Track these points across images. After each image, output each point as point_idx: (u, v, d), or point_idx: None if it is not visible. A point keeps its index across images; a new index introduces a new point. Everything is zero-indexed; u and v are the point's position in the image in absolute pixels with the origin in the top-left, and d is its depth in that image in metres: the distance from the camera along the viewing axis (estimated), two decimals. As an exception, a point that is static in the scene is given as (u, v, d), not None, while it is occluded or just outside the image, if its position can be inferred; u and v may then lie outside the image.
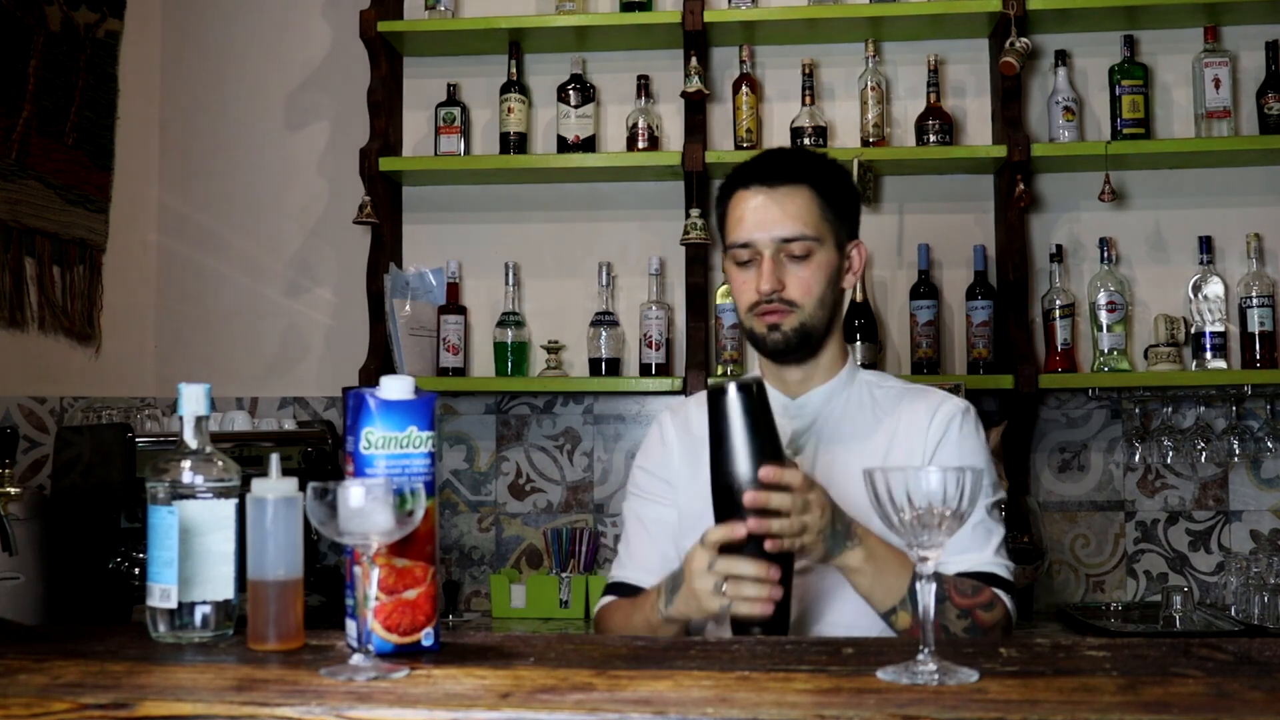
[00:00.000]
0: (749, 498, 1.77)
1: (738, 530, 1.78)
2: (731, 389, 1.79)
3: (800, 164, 2.15)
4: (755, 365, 3.65)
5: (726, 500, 1.80)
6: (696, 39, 3.58)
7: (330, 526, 1.34)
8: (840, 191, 2.17)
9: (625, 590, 2.20)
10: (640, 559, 2.23)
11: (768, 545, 1.77)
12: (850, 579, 1.90)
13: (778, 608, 1.71)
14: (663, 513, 2.22)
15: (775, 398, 2.13)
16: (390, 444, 1.47)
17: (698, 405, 2.24)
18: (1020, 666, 1.32)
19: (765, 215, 2.09)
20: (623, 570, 2.24)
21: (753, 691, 1.22)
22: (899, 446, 2.11)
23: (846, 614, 2.01)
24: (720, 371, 3.56)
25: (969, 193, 3.70)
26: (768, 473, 1.77)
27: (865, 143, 3.61)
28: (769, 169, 2.13)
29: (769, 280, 2.07)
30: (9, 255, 3.31)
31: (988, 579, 2.01)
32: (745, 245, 2.10)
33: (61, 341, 3.54)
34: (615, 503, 3.69)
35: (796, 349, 2.11)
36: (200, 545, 1.53)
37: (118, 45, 3.78)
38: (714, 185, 3.71)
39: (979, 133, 3.71)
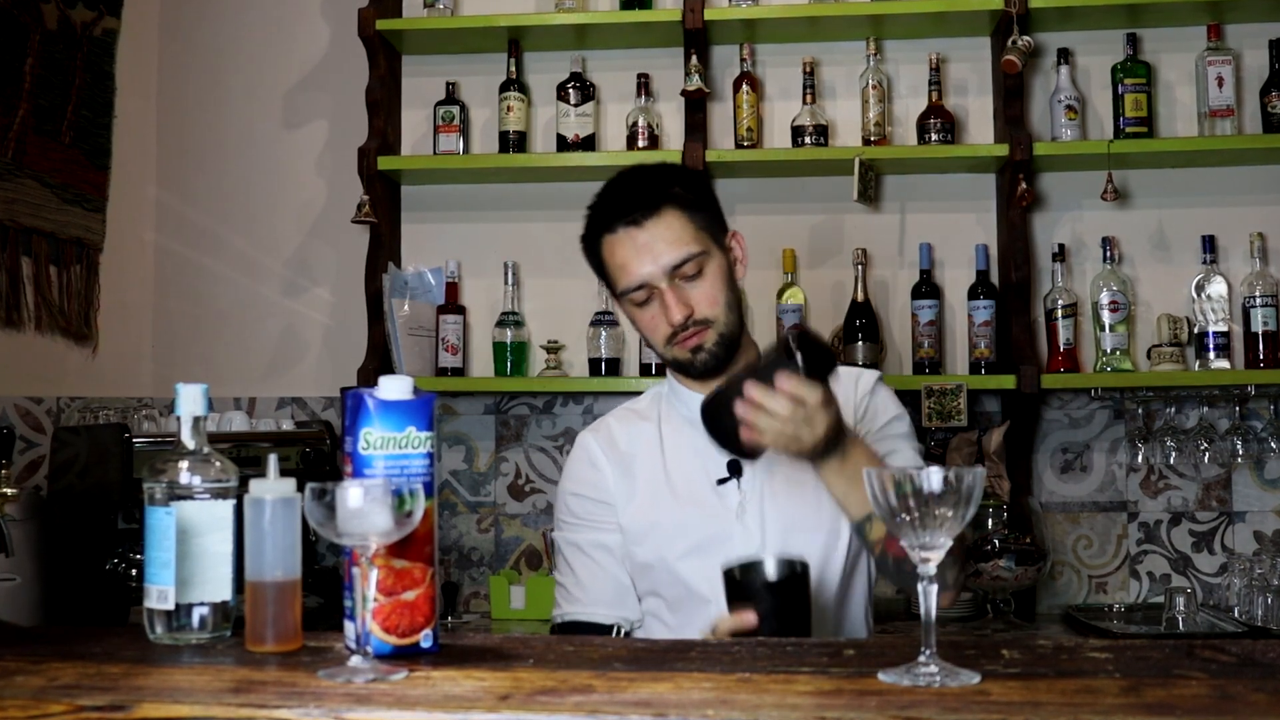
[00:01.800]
0: (748, 390, 1.80)
1: (748, 619, 1.73)
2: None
3: (656, 188, 2.10)
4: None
5: (735, 587, 1.77)
6: (697, 37, 3.57)
7: (328, 527, 1.33)
8: (698, 194, 2.14)
9: (581, 628, 2.13)
10: (594, 592, 2.16)
11: (743, 434, 1.82)
12: (825, 480, 1.92)
13: (796, 633, 1.68)
14: (605, 538, 2.17)
15: (688, 408, 2.15)
16: (389, 444, 1.45)
17: (618, 420, 2.26)
18: (1022, 668, 1.31)
19: (645, 250, 2.05)
20: (575, 606, 2.16)
21: (753, 693, 1.21)
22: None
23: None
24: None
25: (971, 192, 3.69)
26: (785, 384, 1.79)
27: (866, 141, 3.59)
28: (628, 206, 2.08)
29: (677, 310, 2.04)
30: (5, 255, 3.30)
31: None
32: (639, 286, 2.06)
33: (58, 341, 3.53)
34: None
35: (724, 361, 2.10)
36: (198, 546, 1.52)
37: (115, 43, 3.76)
38: (715, 185, 3.69)
39: (981, 131, 3.70)
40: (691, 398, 2.13)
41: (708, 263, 2.07)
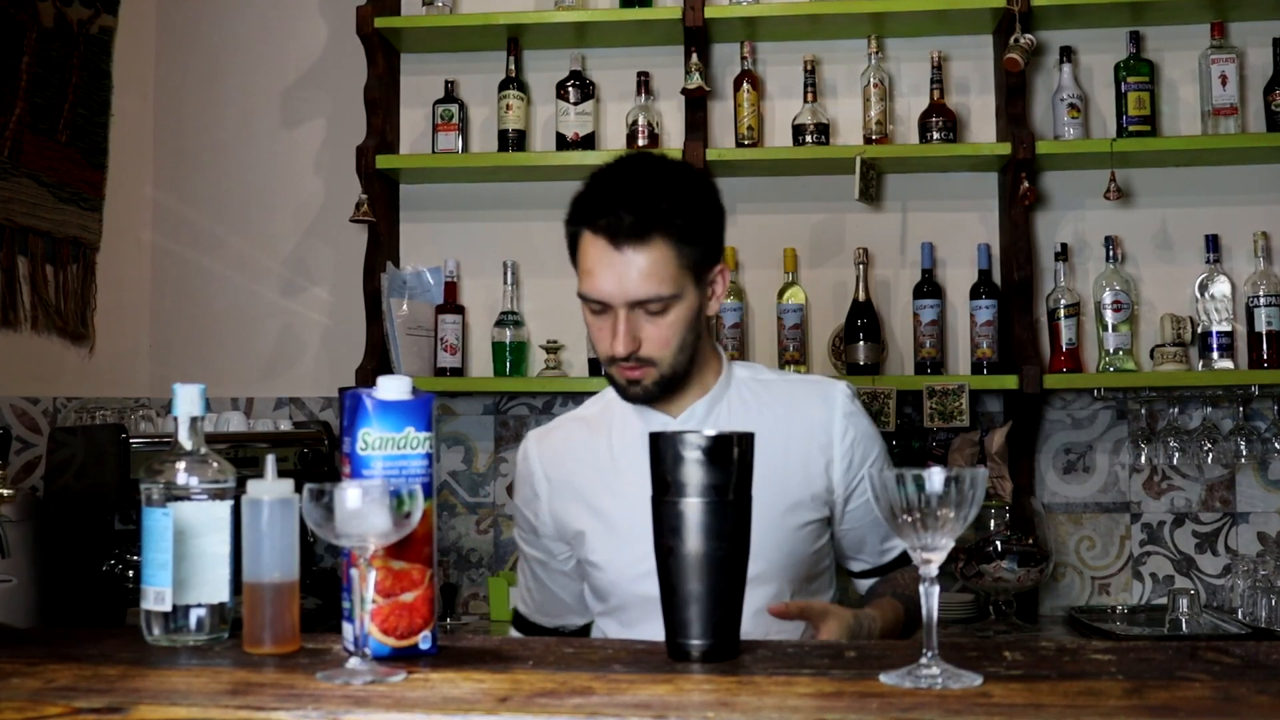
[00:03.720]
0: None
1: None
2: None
3: (651, 210, 1.95)
4: (758, 360, 3.64)
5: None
6: (697, 35, 3.55)
7: (327, 528, 1.33)
8: (700, 224, 2.01)
9: (528, 627, 2.29)
10: (537, 600, 2.28)
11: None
12: None
13: (725, 632, 1.46)
14: (542, 555, 2.23)
15: (657, 417, 2.12)
16: (387, 445, 1.45)
17: (564, 435, 2.23)
18: (1024, 670, 1.31)
19: (617, 274, 1.96)
20: (523, 606, 2.31)
21: (754, 695, 1.21)
22: (796, 440, 2.11)
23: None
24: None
25: (973, 191, 3.67)
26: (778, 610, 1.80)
27: (868, 140, 3.58)
28: (619, 220, 1.95)
29: (624, 343, 1.99)
30: (1, 254, 3.28)
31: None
32: (598, 301, 2.00)
33: (55, 341, 3.51)
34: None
35: (659, 396, 2.08)
36: (195, 547, 1.52)
37: (111, 41, 3.74)
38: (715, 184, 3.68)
39: (983, 130, 3.69)
40: (645, 415, 2.12)
41: (675, 305, 2.00)
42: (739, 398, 2.15)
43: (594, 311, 2.03)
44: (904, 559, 2.20)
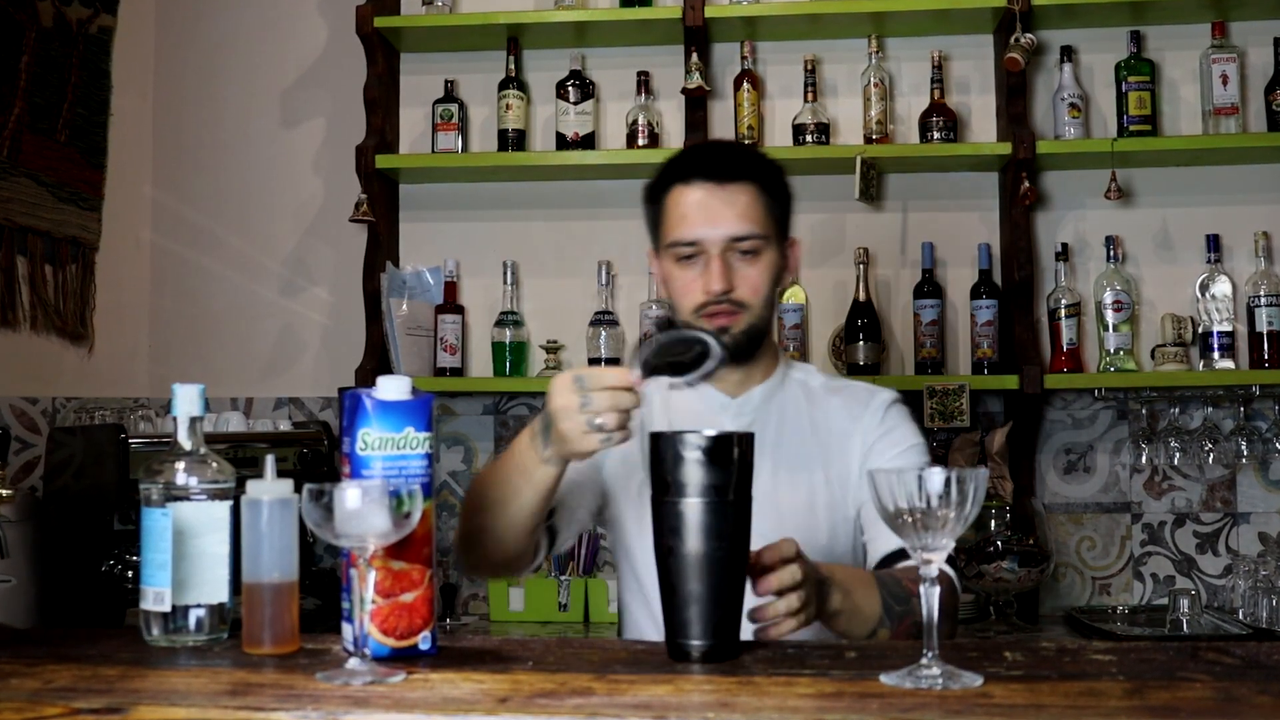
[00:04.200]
0: (763, 586, 1.61)
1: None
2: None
3: (745, 160, 2.12)
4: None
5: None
6: (697, 35, 3.55)
7: (326, 529, 1.33)
8: (781, 189, 2.14)
9: None
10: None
11: (771, 632, 1.61)
12: (829, 625, 1.79)
13: (725, 632, 1.44)
14: (584, 477, 2.13)
15: (715, 396, 2.14)
16: (387, 445, 1.45)
17: None
18: (1025, 670, 1.31)
19: (713, 212, 2.04)
20: None
21: (754, 696, 1.21)
22: (835, 443, 2.13)
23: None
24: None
25: (973, 190, 3.67)
26: (771, 556, 1.64)
27: (868, 140, 3.57)
28: (714, 164, 2.08)
29: (720, 280, 2.02)
30: (0, 254, 3.28)
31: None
32: (692, 243, 2.04)
33: (54, 341, 3.51)
34: (615, 504, 3.65)
35: (744, 351, 2.08)
36: (194, 548, 1.52)
37: (111, 41, 3.74)
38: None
39: (983, 129, 3.68)
40: (704, 394, 2.12)
41: (765, 249, 2.06)
42: (793, 396, 2.18)
43: (682, 259, 2.06)
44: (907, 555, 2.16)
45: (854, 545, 2.14)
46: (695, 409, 2.15)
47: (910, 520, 1.28)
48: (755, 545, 1.96)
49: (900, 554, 2.00)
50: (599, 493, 2.18)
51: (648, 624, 2.10)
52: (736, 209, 2.04)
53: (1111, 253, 3.53)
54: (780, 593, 1.62)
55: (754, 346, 2.10)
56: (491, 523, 1.91)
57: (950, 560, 2.01)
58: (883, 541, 2.02)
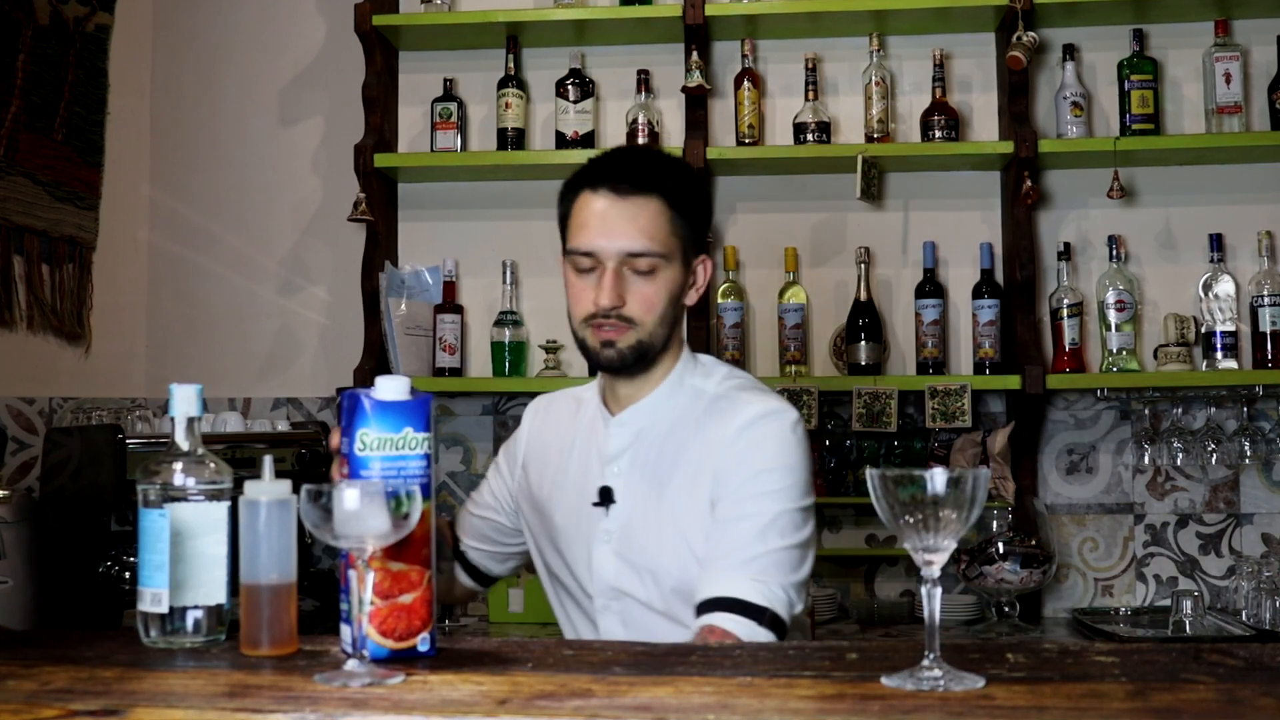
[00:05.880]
0: None
1: None
2: None
3: (653, 171, 2.05)
4: (759, 360, 3.61)
5: None
6: (697, 33, 3.54)
7: (325, 530, 1.33)
8: (693, 204, 2.07)
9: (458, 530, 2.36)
10: (467, 522, 2.35)
11: None
12: None
13: None
14: (491, 500, 2.30)
15: (602, 415, 2.14)
16: (386, 445, 1.45)
17: (563, 404, 2.28)
18: (1027, 672, 1.31)
19: (611, 225, 1.99)
20: (459, 516, 2.38)
21: (755, 698, 1.21)
22: (692, 468, 2.02)
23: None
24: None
25: (975, 189, 3.66)
26: None
27: (869, 138, 3.56)
28: (622, 174, 2.02)
29: (609, 295, 1.98)
30: (-3, 252, 3.27)
31: (724, 604, 1.86)
32: (587, 254, 2.01)
33: (50, 341, 3.50)
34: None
35: (631, 366, 2.05)
36: (192, 549, 1.52)
37: (108, 39, 3.73)
38: (716, 183, 3.68)
39: (985, 128, 3.67)
40: (601, 409, 2.15)
41: (663, 268, 2.01)
42: (684, 406, 2.08)
43: (580, 270, 2.03)
44: (709, 607, 1.91)
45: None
46: (589, 425, 2.16)
47: (912, 521, 1.28)
48: (617, 564, 2.02)
49: (705, 605, 1.88)
50: (513, 526, 2.29)
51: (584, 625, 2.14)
52: (638, 224, 1.99)
53: (1114, 252, 3.51)
54: None
55: (643, 363, 2.05)
56: None
57: (757, 613, 1.85)
58: (700, 588, 1.91)
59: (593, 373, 3.51)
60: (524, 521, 2.24)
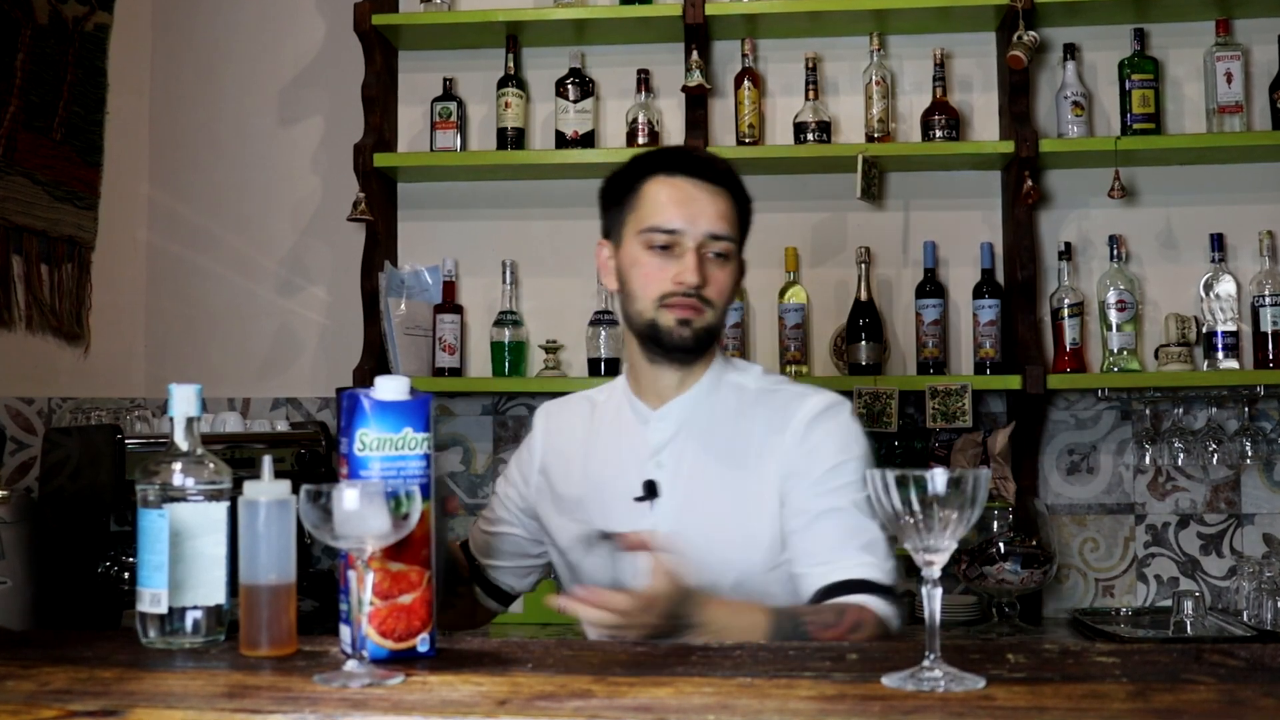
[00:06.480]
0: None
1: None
2: None
3: (722, 167, 2.12)
4: (759, 360, 3.61)
5: None
6: (697, 32, 3.53)
7: (324, 530, 1.33)
8: (747, 208, 2.14)
9: (468, 553, 2.37)
10: (482, 542, 2.36)
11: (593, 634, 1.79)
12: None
13: None
14: (506, 515, 2.32)
15: (636, 409, 2.14)
16: (385, 446, 1.45)
17: (574, 409, 2.27)
18: (1028, 673, 1.31)
19: (697, 206, 2.04)
20: (473, 535, 2.39)
21: (755, 698, 1.21)
22: (752, 462, 2.04)
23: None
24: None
25: (976, 189, 3.65)
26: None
27: (870, 138, 3.56)
28: (699, 163, 2.10)
29: (694, 273, 2.01)
30: (-5, 252, 3.27)
31: (854, 586, 1.91)
32: (670, 231, 2.03)
33: (49, 341, 3.49)
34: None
35: (695, 349, 2.07)
36: (191, 549, 1.52)
37: (107, 39, 3.72)
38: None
39: (986, 128, 3.66)
40: (634, 405, 2.14)
41: (733, 257, 2.08)
42: (723, 402, 2.11)
43: (653, 247, 2.04)
44: (838, 591, 1.96)
45: (769, 571, 2.03)
46: (615, 422, 2.16)
47: (912, 522, 1.28)
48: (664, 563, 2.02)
49: (833, 590, 1.92)
50: (530, 537, 2.31)
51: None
52: (717, 208, 2.05)
53: (1115, 252, 3.51)
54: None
55: (702, 349, 2.07)
56: None
57: (881, 590, 1.92)
58: (816, 576, 1.94)
59: (593, 373, 3.54)
60: (545, 527, 2.23)
